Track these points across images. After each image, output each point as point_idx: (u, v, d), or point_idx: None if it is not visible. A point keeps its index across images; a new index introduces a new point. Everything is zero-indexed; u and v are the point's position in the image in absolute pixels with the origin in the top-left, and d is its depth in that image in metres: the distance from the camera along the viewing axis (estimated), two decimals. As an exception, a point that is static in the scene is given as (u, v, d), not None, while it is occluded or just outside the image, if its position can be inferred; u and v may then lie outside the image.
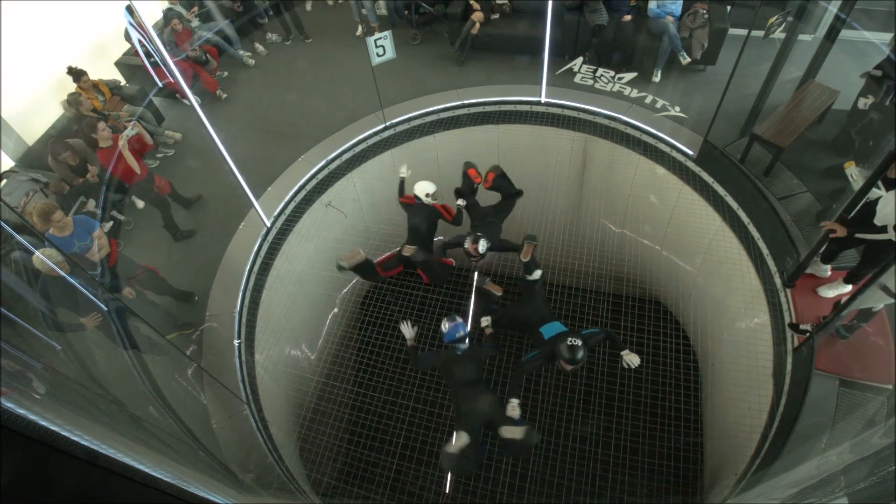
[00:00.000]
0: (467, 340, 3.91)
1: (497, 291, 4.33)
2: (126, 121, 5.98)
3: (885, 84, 4.63)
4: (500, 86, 6.35)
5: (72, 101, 5.69)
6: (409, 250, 4.35)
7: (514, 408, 3.55)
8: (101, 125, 5.00)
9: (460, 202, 4.66)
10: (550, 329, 3.83)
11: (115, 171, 4.95)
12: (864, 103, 4.72)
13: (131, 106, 6.36)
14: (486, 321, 4.15)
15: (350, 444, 5.10)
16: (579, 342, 3.46)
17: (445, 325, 3.90)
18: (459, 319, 3.92)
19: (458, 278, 5.46)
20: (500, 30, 6.95)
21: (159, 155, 6.24)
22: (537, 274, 4.15)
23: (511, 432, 3.36)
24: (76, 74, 5.81)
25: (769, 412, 3.93)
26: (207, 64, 6.91)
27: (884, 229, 3.43)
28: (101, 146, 5.05)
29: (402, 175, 4.79)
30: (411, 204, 4.66)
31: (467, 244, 4.17)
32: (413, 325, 4.00)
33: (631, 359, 3.65)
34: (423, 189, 4.56)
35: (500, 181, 4.54)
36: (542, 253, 5.41)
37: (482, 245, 4.14)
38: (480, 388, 3.77)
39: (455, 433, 3.49)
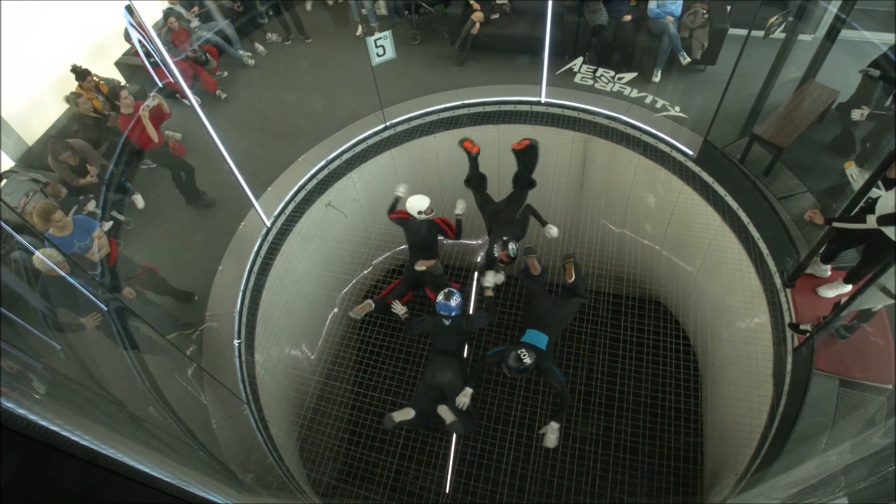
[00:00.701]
0: (455, 314, 3.98)
1: (535, 271, 4.34)
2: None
3: (882, 84, 4.62)
4: (500, 86, 6.35)
5: (70, 101, 5.68)
6: (424, 264, 4.24)
7: (465, 395, 3.81)
8: (125, 93, 5.29)
9: (459, 211, 4.48)
10: (530, 336, 3.90)
11: (132, 136, 5.25)
12: (860, 114, 4.70)
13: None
14: (489, 282, 4.12)
15: (350, 444, 5.10)
16: (528, 362, 3.55)
17: (440, 297, 3.98)
18: (455, 302, 3.97)
19: (459, 278, 5.46)
20: (500, 30, 6.95)
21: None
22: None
23: (443, 412, 3.76)
24: (80, 74, 5.80)
25: (769, 412, 3.93)
26: (207, 64, 6.91)
27: (863, 220, 3.42)
28: (122, 112, 5.32)
29: (398, 194, 4.57)
30: (405, 219, 4.43)
31: (497, 252, 4.10)
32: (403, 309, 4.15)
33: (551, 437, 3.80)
34: (416, 206, 4.26)
35: (530, 153, 4.35)
36: (542, 253, 5.42)
37: (512, 248, 4.09)
38: (451, 361, 3.96)
39: (405, 407, 3.78)
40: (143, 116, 5.12)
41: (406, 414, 3.73)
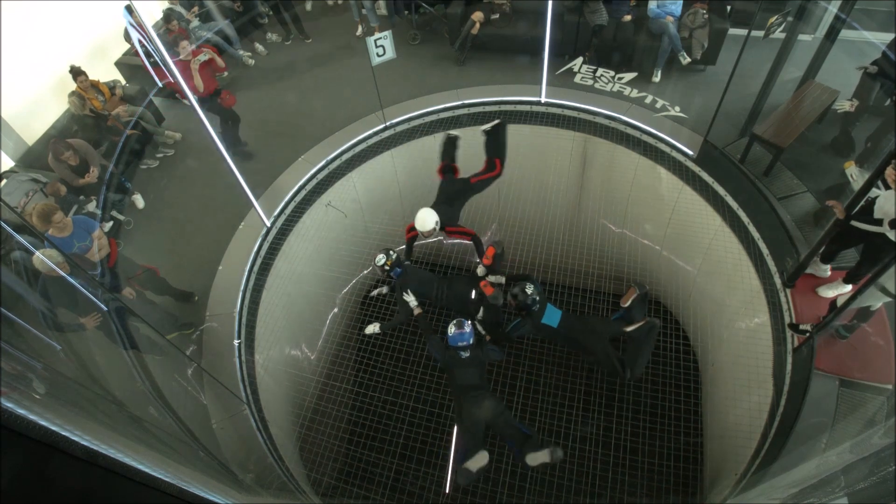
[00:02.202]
0: (470, 345, 3.79)
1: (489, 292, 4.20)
2: (125, 121, 5.99)
3: (880, 82, 4.61)
4: (500, 86, 6.35)
5: (71, 101, 5.69)
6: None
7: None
8: (185, 43, 5.69)
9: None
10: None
11: (186, 79, 5.45)
12: (850, 105, 4.68)
13: (131, 106, 6.36)
14: (491, 277, 4.09)
15: (350, 444, 5.10)
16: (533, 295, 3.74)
17: (452, 329, 3.79)
18: (468, 328, 3.77)
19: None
20: (500, 30, 6.95)
21: (159, 155, 6.24)
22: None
23: (537, 459, 3.41)
24: (75, 73, 5.82)
25: (769, 412, 3.93)
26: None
27: (880, 223, 3.43)
28: (179, 58, 5.64)
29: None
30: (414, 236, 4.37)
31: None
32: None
33: None
34: (425, 223, 4.09)
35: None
36: (542, 253, 5.42)
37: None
38: (483, 393, 3.74)
39: (475, 453, 3.53)
40: (192, 68, 5.59)
41: (481, 459, 3.52)
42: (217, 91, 5.94)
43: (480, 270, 4.32)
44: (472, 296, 4.25)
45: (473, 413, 3.66)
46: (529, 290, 3.77)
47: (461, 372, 3.80)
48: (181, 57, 5.66)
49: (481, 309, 4.27)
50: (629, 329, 3.78)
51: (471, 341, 3.77)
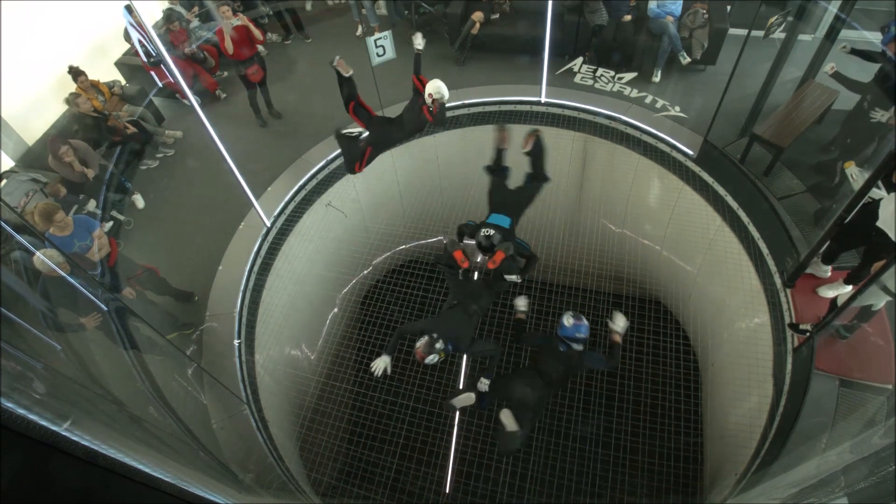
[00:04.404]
0: (583, 340, 3.55)
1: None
2: (126, 120, 5.99)
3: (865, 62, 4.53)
4: (500, 86, 6.35)
5: (70, 101, 5.69)
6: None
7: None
8: (225, 8, 5.90)
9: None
10: (494, 218, 3.98)
11: (221, 43, 6.01)
12: (829, 68, 4.56)
13: (131, 106, 6.36)
14: (522, 305, 3.89)
15: (350, 444, 5.10)
16: (493, 236, 3.74)
17: (569, 320, 3.53)
18: (585, 321, 3.53)
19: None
20: (500, 30, 6.95)
21: (159, 155, 6.24)
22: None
23: (506, 418, 3.38)
24: (75, 74, 5.82)
25: (769, 412, 3.93)
26: (206, 62, 6.91)
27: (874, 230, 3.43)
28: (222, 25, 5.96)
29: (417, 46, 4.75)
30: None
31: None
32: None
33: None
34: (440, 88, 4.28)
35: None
36: (542, 253, 5.42)
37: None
38: (539, 385, 3.56)
39: (463, 393, 3.52)
40: (224, 29, 5.83)
41: (467, 400, 3.49)
42: (250, 61, 6.11)
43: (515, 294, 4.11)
44: (500, 282, 4.03)
45: (515, 384, 3.57)
46: (486, 231, 3.79)
47: (549, 359, 3.59)
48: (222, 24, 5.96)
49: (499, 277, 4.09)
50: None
51: (584, 337, 3.53)
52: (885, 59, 4.35)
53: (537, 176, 4.19)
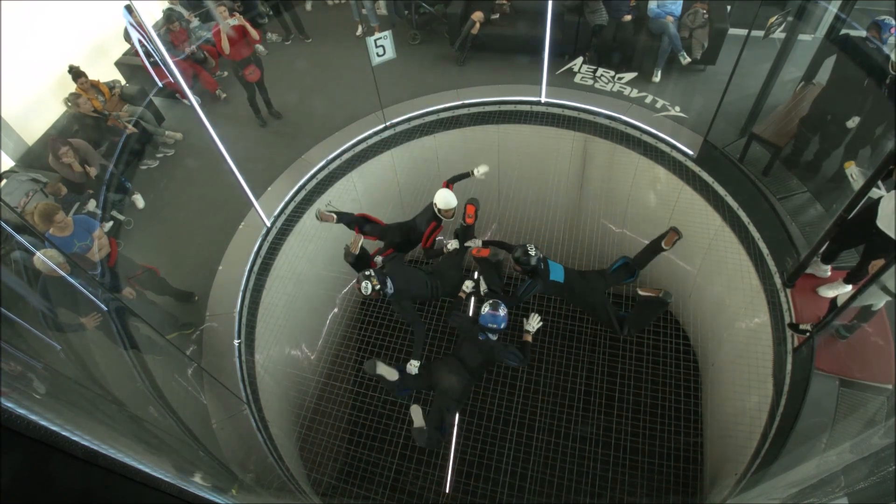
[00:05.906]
0: (500, 331, 3.67)
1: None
2: (126, 120, 5.99)
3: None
4: (500, 86, 6.35)
5: (70, 101, 5.69)
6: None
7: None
8: (222, 8, 5.94)
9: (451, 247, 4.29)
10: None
11: (217, 43, 6.08)
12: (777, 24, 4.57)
13: (131, 106, 6.36)
14: (532, 326, 3.84)
15: (350, 444, 5.09)
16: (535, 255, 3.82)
17: (486, 308, 3.63)
18: (503, 312, 3.61)
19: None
20: (500, 30, 6.95)
21: (159, 155, 6.24)
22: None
23: (414, 413, 3.51)
24: (75, 74, 5.82)
25: (769, 412, 3.93)
26: (206, 62, 6.91)
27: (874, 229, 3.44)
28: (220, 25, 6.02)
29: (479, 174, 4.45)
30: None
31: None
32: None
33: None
34: (448, 200, 4.14)
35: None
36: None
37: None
38: (463, 374, 3.69)
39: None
40: (221, 29, 5.85)
41: (391, 374, 3.57)
42: (246, 61, 6.13)
43: (452, 245, 4.20)
44: (475, 275, 4.18)
45: (440, 372, 3.72)
46: (532, 251, 3.79)
47: (468, 347, 3.71)
48: (219, 22, 5.99)
49: (480, 280, 4.18)
50: (642, 292, 3.91)
51: (502, 327, 3.63)
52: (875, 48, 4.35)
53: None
